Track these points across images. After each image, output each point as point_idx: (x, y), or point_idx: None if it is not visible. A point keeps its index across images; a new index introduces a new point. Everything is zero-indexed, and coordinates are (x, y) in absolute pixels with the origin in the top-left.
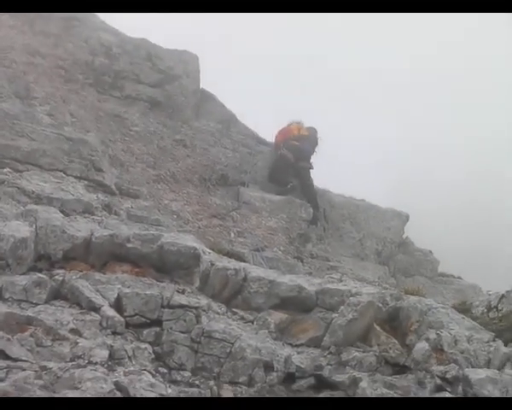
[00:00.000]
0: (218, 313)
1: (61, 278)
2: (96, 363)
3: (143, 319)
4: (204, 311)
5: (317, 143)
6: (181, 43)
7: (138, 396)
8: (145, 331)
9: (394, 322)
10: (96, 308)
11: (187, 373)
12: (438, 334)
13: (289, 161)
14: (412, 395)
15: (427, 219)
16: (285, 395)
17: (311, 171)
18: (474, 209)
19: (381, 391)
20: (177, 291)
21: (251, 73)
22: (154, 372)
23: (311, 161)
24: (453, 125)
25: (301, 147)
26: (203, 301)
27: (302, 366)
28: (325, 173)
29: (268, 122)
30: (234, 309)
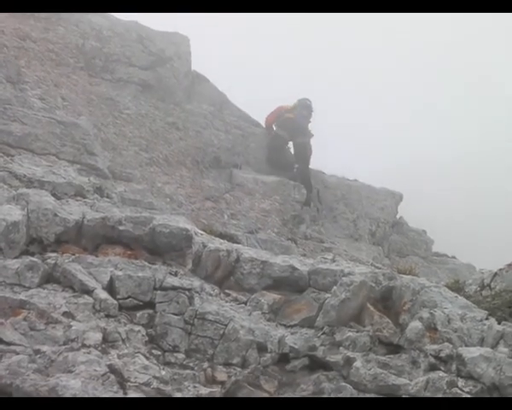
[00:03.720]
0: (210, 295)
1: (53, 262)
2: (89, 346)
3: (136, 302)
4: (197, 293)
5: (311, 109)
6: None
7: (132, 379)
8: (138, 314)
9: (387, 301)
10: (88, 291)
11: (181, 355)
12: (431, 313)
13: (284, 140)
14: (406, 375)
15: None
16: (279, 376)
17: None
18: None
19: (374, 371)
20: (170, 273)
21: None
22: (147, 355)
23: (310, 130)
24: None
25: (296, 120)
26: (196, 282)
27: (296, 346)
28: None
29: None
30: (227, 291)
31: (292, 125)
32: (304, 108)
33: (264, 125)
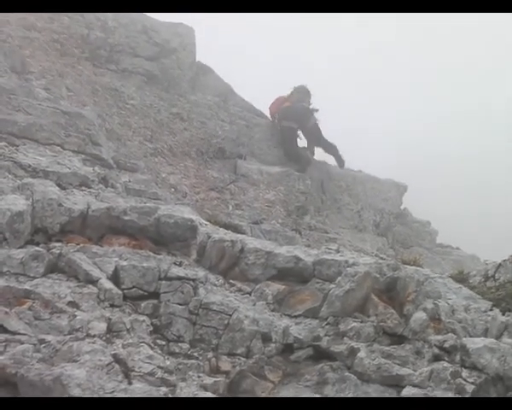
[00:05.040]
0: (215, 285)
1: (58, 252)
2: (94, 336)
3: (141, 292)
4: (201, 283)
5: (308, 92)
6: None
7: (136, 369)
8: (143, 304)
9: (392, 292)
10: (93, 281)
11: (185, 345)
12: (435, 304)
13: (293, 130)
14: (410, 365)
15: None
16: (283, 366)
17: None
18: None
19: (378, 361)
20: (175, 263)
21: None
22: (152, 345)
23: (314, 109)
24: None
25: (295, 107)
26: (200, 272)
27: (300, 336)
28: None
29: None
30: (231, 281)
31: (294, 112)
32: (300, 93)
33: (269, 117)
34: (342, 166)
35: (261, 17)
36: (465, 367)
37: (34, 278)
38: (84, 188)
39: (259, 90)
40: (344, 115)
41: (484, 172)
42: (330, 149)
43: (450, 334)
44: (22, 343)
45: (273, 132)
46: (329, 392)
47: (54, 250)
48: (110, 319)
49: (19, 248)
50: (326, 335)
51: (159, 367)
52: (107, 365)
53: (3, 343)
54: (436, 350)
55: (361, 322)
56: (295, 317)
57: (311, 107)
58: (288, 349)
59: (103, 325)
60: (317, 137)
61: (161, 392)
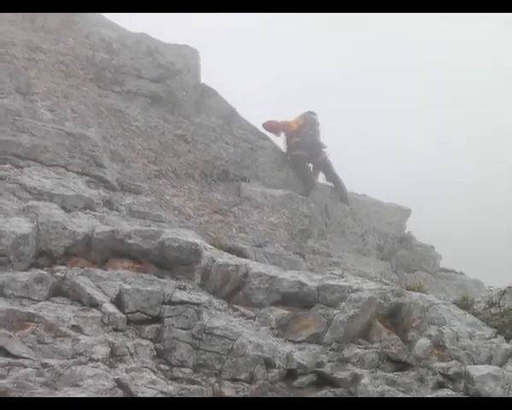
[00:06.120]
0: (219, 310)
1: (62, 275)
2: (97, 360)
3: (144, 316)
4: (205, 307)
5: (317, 124)
6: (181, 38)
7: (140, 394)
8: (146, 328)
9: (395, 318)
10: (97, 305)
11: (188, 370)
12: (439, 330)
13: (304, 158)
14: (414, 392)
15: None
16: (286, 392)
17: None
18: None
19: (382, 388)
20: (179, 288)
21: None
22: (155, 369)
23: (321, 143)
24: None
25: (304, 142)
26: (204, 297)
27: (303, 362)
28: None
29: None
30: (235, 305)
31: (304, 146)
32: (309, 127)
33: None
34: (346, 203)
35: (259, 18)
36: (469, 395)
37: (38, 301)
38: (88, 211)
39: (263, 105)
40: (346, 135)
41: (487, 196)
42: (338, 185)
43: (454, 361)
44: (25, 367)
45: (277, 156)
46: None
47: (58, 273)
48: (113, 343)
49: (23, 270)
50: (329, 361)
51: (161, 392)
52: (110, 389)
53: (6, 367)
54: (440, 377)
55: (365, 348)
56: (299, 342)
57: (320, 141)
58: (291, 375)
59: (106, 350)
60: (326, 171)
61: None
